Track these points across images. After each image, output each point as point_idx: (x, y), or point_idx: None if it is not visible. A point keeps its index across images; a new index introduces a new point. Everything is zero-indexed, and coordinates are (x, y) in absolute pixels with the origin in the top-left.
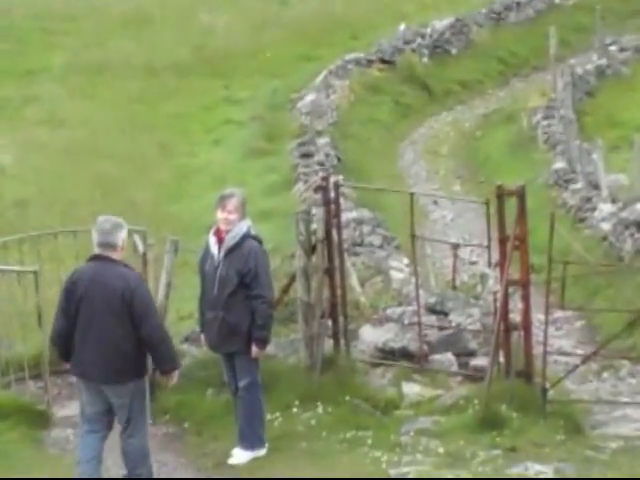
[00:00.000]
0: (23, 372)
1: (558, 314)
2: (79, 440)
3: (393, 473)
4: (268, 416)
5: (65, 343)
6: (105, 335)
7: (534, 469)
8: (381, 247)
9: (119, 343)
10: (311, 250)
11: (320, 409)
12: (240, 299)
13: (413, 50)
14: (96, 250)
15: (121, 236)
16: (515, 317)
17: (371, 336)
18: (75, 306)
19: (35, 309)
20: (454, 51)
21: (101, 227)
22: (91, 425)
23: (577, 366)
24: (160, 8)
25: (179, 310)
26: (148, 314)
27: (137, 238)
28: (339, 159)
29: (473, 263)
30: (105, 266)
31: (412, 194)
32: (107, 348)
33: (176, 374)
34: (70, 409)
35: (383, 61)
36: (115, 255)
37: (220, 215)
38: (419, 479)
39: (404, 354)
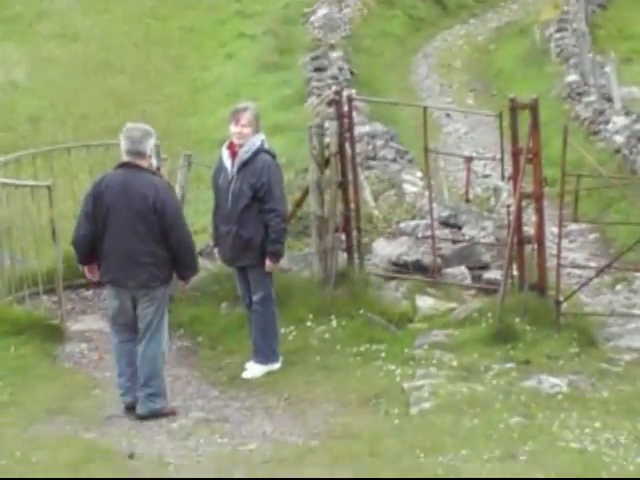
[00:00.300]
0: (37, 287)
1: (571, 227)
2: (115, 350)
3: (407, 386)
4: (282, 330)
5: (87, 248)
6: (137, 242)
7: (548, 382)
8: (394, 161)
9: (150, 249)
10: (324, 164)
11: (334, 323)
12: (254, 213)
13: None
14: (125, 157)
15: (150, 144)
16: (529, 230)
17: (384, 250)
18: (104, 213)
19: (49, 223)
20: None
21: (130, 135)
22: (125, 334)
23: (591, 279)
24: None
25: (192, 224)
26: (178, 222)
27: (156, 162)
28: (352, 73)
29: (486, 176)
30: (135, 174)
31: (425, 107)
32: (139, 254)
33: (192, 280)
34: (84, 323)
35: None
36: (143, 163)
37: (234, 129)
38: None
39: (418, 267)
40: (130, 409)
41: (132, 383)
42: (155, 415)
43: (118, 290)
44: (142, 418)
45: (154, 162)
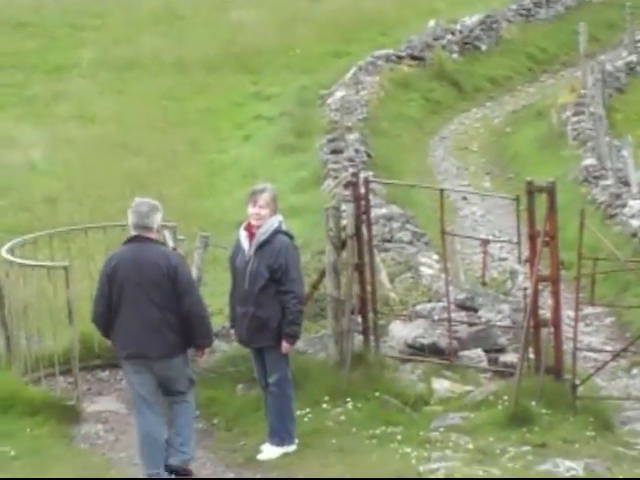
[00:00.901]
0: (53, 367)
1: (588, 310)
2: (143, 425)
3: (422, 469)
4: (298, 412)
5: (107, 323)
6: (153, 312)
7: (564, 465)
8: (411, 243)
9: (166, 318)
10: (341, 246)
11: (350, 405)
12: (271, 294)
13: (443, 46)
14: (133, 232)
15: (157, 219)
16: (545, 313)
17: (401, 332)
18: (118, 288)
19: (65, 304)
20: (484, 47)
21: (138, 209)
22: (150, 405)
23: (607, 362)
24: (190, 4)
25: (209, 306)
26: (190, 289)
27: (167, 234)
28: (369, 155)
29: (503, 259)
30: (145, 246)
31: (442, 190)
32: (156, 324)
33: (208, 351)
34: (100, 404)
35: (413, 57)
36: (152, 235)
37: (252, 210)
38: (449, 479)
39: (434, 350)
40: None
41: (158, 463)
42: (185, 463)
43: (135, 365)
44: (172, 470)
45: (170, 243)
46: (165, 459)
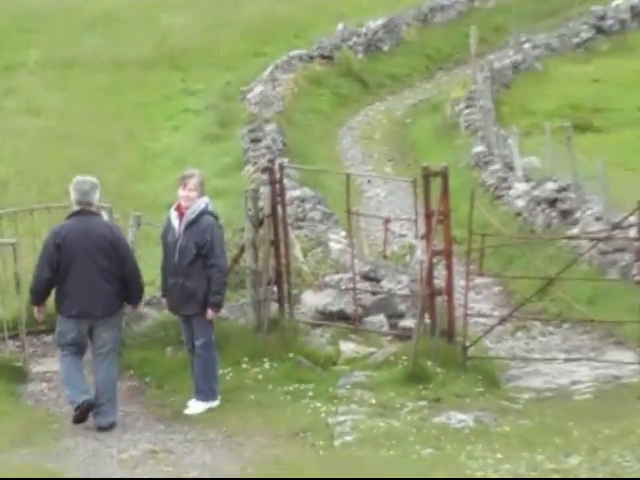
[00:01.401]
0: (2, 333)
1: (477, 281)
2: (67, 365)
3: (331, 421)
4: (220, 371)
5: (46, 290)
6: (99, 276)
7: (456, 418)
8: (321, 222)
9: (110, 281)
10: (259, 224)
11: (267, 365)
12: (198, 267)
13: (350, 47)
14: (76, 207)
15: (96, 195)
16: (439, 283)
17: (312, 300)
18: (68, 256)
19: (13, 277)
20: (386, 48)
21: (80, 187)
22: (78, 355)
23: (494, 326)
24: (126, 9)
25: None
26: (130, 256)
27: (104, 213)
28: (284, 144)
29: (403, 236)
30: (91, 219)
31: (348, 175)
32: (101, 286)
33: (141, 306)
34: (45, 366)
35: (323, 57)
36: (93, 209)
37: (181, 193)
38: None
39: (341, 316)
40: (80, 414)
41: (85, 392)
42: (112, 426)
43: (80, 322)
44: (102, 429)
45: (105, 216)
46: (95, 419)
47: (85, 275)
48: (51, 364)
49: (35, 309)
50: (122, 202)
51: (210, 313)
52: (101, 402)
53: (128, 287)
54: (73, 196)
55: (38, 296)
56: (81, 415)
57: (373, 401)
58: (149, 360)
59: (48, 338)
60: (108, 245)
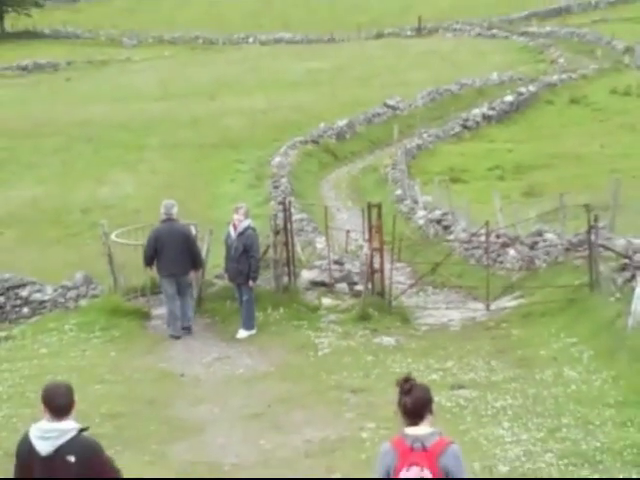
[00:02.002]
0: (136, 293)
1: (397, 264)
2: (170, 302)
3: (317, 342)
4: (256, 314)
5: (151, 261)
6: (179, 255)
7: (385, 339)
8: (312, 232)
9: (185, 258)
10: (277, 233)
11: (281, 310)
12: (244, 258)
13: (329, 136)
14: (164, 217)
15: (175, 210)
16: (376, 265)
17: (306, 275)
18: (160, 244)
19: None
20: (348, 136)
21: (165, 205)
22: (175, 298)
23: (406, 289)
24: (204, 117)
25: (212, 262)
26: (195, 245)
27: (192, 227)
28: (292, 189)
29: (356, 240)
30: (174, 223)
31: (326, 207)
32: (181, 260)
33: (199, 272)
34: (159, 310)
35: (313, 141)
36: (174, 218)
37: (235, 216)
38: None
39: (322, 284)
40: (175, 337)
41: (177, 319)
42: (189, 329)
43: (170, 279)
44: (185, 328)
45: (194, 232)
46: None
47: (171, 255)
48: (164, 309)
49: (147, 269)
50: (201, 222)
51: (251, 283)
52: (184, 321)
53: (194, 261)
54: (162, 211)
55: (147, 263)
56: (176, 337)
57: (340, 330)
58: (217, 308)
59: (161, 296)
60: (185, 239)
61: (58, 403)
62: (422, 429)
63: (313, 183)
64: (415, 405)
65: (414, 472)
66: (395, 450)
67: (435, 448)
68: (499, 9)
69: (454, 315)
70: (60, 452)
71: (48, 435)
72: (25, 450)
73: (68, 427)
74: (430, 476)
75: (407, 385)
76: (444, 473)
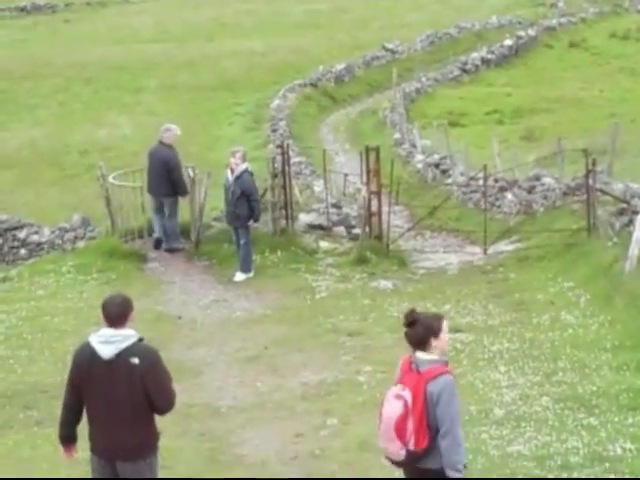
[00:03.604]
0: (134, 235)
1: (395, 208)
2: (154, 216)
3: (314, 285)
4: (253, 257)
5: None
6: (157, 177)
7: (383, 283)
8: (310, 175)
9: (162, 180)
10: (275, 176)
11: (279, 253)
12: (241, 201)
13: (328, 80)
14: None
15: (168, 134)
16: (374, 208)
17: (304, 219)
18: (149, 163)
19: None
20: (346, 79)
21: (162, 128)
22: (153, 212)
23: (404, 233)
24: (199, 58)
25: (211, 205)
26: (175, 171)
27: (190, 170)
28: (290, 132)
29: (354, 183)
30: (159, 147)
31: (324, 150)
32: (158, 181)
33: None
34: (156, 253)
35: (312, 85)
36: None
37: (232, 160)
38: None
39: (320, 227)
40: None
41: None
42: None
43: (152, 196)
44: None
45: (191, 174)
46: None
47: (151, 173)
48: (161, 252)
49: None
50: (200, 164)
51: (251, 222)
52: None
53: (173, 186)
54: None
55: None
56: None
57: (337, 274)
58: (215, 250)
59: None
60: (160, 161)
61: (112, 311)
62: (427, 355)
63: (312, 126)
64: (417, 338)
65: (396, 389)
66: (400, 366)
67: (427, 374)
68: None
69: (451, 259)
70: (123, 355)
71: (113, 339)
72: (86, 356)
73: (129, 333)
74: (408, 396)
75: (410, 318)
76: (429, 399)
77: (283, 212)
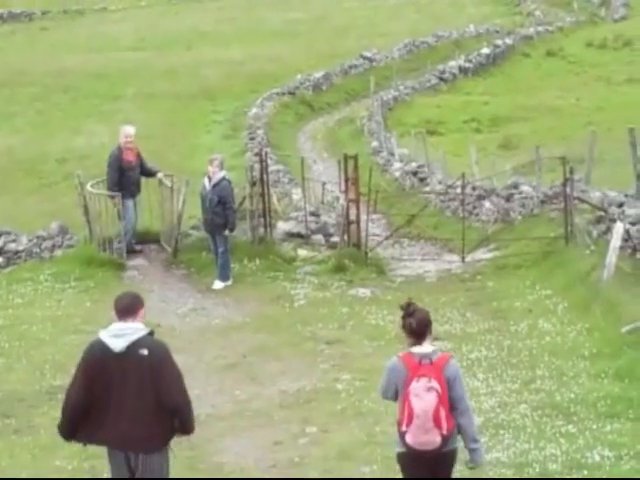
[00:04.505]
0: (111, 244)
1: (373, 216)
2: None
3: (292, 292)
4: (231, 265)
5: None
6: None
7: (361, 291)
8: (288, 183)
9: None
10: (253, 184)
11: (257, 262)
12: (219, 209)
13: (306, 88)
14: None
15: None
16: (352, 217)
17: (282, 227)
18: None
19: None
20: (324, 88)
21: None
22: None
23: (382, 241)
24: (181, 66)
25: (189, 214)
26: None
27: (168, 179)
28: (268, 141)
29: (332, 191)
30: None
31: (302, 158)
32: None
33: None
34: (135, 262)
35: (290, 93)
36: None
37: (210, 168)
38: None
39: (299, 235)
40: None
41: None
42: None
43: None
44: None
45: (168, 183)
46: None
47: None
48: (139, 260)
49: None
50: (178, 172)
51: (227, 232)
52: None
53: None
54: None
55: None
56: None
57: (316, 282)
58: (193, 259)
59: (138, 246)
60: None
61: (123, 306)
62: (425, 348)
63: (289, 135)
64: (419, 325)
65: (423, 382)
66: (404, 364)
67: (440, 361)
68: None
69: (429, 267)
70: (133, 347)
71: (123, 332)
72: (97, 350)
73: (139, 326)
74: (437, 386)
75: (410, 308)
76: (446, 382)
77: (261, 220)
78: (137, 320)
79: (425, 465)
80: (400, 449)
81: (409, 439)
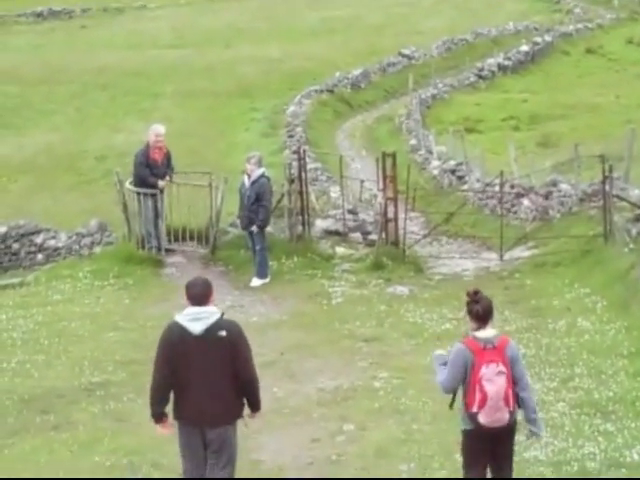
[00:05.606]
0: (150, 244)
1: (411, 214)
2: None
3: (330, 290)
4: (270, 262)
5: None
6: None
7: (399, 289)
8: (326, 181)
9: None
10: (292, 182)
11: (295, 259)
12: (256, 207)
13: (344, 86)
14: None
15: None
16: (390, 214)
17: (320, 224)
18: None
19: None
20: (363, 85)
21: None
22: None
23: (420, 239)
24: (219, 66)
25: (228, 210)
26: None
27: (209, 176)
28: (307, 139)
29: (370, 189)
30: None
31: (340, 156)
32: None
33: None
34: (173, 258)
35: (328, 91)
36: None
37: (248, 166)
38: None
39: (337, 233)
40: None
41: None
42: None
43: None
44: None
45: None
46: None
47: None
48: (177, 258)
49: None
50: (218, 170)
51: (254, 228)
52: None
53: None
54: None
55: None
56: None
57: (353, 279)
58: (231, 256)
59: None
60: None
61: (197, 291)
62: (488, 332)
63: (328, 132)
64: (485, 311)
65: (492, 367)
66: (470, 349)
67: (501, 344)
68: None
69: (468, 265)
70: (212, 329)
71: (200, 316)
72: (176, 334)
73: (213, 310)
74: (504, 369)
75: (477, 296)
76: (509, 362)
77: (300, 218)
78: (210, 304)
79: (490, 438)
80: (468, 427)
81: (482, 419)
